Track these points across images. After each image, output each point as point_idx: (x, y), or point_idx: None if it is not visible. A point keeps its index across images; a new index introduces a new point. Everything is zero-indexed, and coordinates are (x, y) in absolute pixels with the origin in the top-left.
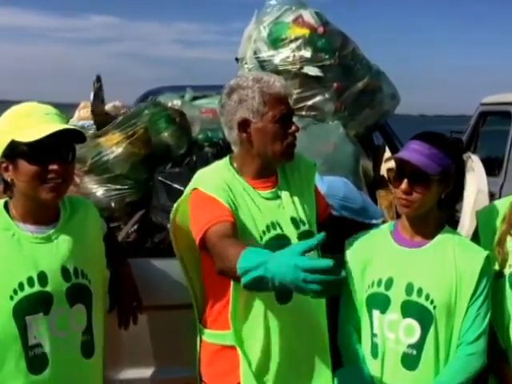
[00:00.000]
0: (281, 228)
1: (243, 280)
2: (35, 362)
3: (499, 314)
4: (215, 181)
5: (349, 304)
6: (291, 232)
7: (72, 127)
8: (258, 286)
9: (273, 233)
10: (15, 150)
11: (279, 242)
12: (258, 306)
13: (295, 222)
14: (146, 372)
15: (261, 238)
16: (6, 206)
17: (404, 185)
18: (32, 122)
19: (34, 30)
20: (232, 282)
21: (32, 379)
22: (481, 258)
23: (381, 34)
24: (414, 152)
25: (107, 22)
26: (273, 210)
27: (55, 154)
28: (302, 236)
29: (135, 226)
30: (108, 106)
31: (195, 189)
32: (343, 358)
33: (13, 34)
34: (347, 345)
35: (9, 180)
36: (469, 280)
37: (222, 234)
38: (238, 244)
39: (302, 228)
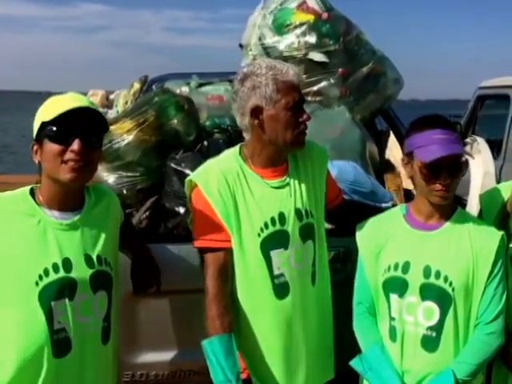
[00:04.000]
0: (283, 222)
1: (205, 346)
2: (59, 345)
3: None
4: (215, 179)
5: (363, 288)
6: (293, 225)
7: (93, 107)
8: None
9: (271, 229)
10: (42, 132)
11: (278, 238)
12: (257, 300)
13: (300, 213)
14: (164, 355)
15: (259, 234)
16: (31, 192)
17: (446, 179)
18: (61, 104)
19: (25, 19)
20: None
21: (56, 362)
22: (496, 239)
23: (368, 18)
24: (447, 142)
25: (98, 10)
26: (280, 200)
27: (76, 134)
28: (303, 229)
29: (147, 213)
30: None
31: (196, 184)
32: (360, 341)
33: (2, 24)
34: (363, 328)
35: (37, 162)
36: (485, 260)
37: (217, 273)
38: (221, 313)
39: (305, 220)
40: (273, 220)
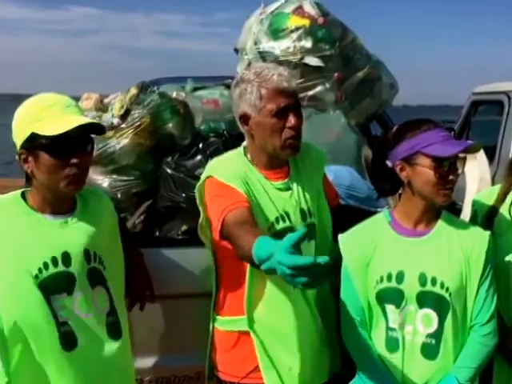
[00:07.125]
0: (290, 220)
1: (262, 268)
2: (67, 338)
3: (503, 294)
4: (230, 169)
5: (353, 302)
6: (299, 224)
7: (93, 121)
8: (274, 273)
9: (281, 225)
10: (35, 142)
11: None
12: (274, 290)
13: (304, 213)
14: (158, 361)
15: (269, 229)
16: (22, 196)
17: (454, 176)
18: (53, 115)
19: (14, 22)
20: (248, 269)
21: (65, 355)
22: (485, 238)
23: (361, 23)
24: (454, 139)
25: (88, 13)
26: (284, 201)
27: (75, 147)
28: (308, 228)
29: (142, 217)
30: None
31: (210, 176)
32: (355, 357)
33: None
34: (358, 344)
35: (28, 171)
36: (476, 261)
37: (238, 221)
38: (251, 232)
39: (309, 220)
40: (277, 219)
